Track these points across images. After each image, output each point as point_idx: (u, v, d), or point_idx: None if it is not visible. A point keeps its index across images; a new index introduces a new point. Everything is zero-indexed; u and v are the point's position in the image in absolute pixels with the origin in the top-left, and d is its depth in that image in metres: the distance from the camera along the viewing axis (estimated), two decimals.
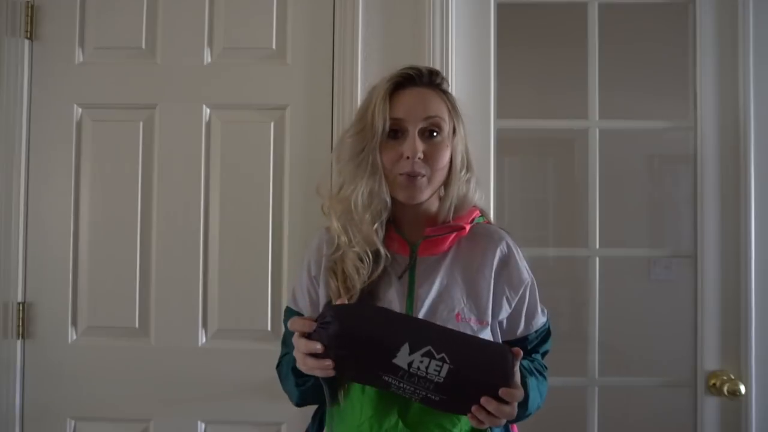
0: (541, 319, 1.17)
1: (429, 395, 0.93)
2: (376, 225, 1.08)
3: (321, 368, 0.94)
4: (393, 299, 1.08)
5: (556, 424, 1.62)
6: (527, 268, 1.15)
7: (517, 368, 0.95)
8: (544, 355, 1.20)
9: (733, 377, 1.55)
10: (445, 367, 0.91)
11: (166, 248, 1.60)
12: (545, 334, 1.18)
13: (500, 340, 1.12)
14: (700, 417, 1.58)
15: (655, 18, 2.00)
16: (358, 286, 1.06)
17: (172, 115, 1.61)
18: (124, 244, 1.61)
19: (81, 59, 1.64)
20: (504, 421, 0.95)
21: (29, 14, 1.62)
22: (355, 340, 0.92)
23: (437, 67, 1.53)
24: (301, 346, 0.95)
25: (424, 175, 1.07)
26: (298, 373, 1.03)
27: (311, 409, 1.19)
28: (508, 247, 1.14)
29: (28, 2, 1.62)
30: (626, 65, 2.23)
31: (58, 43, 1.63)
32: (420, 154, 1.06)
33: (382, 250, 1.07)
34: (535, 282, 1.16)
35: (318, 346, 0.92)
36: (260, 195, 1.60)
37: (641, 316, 2.28)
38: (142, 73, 1.62)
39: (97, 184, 1.62)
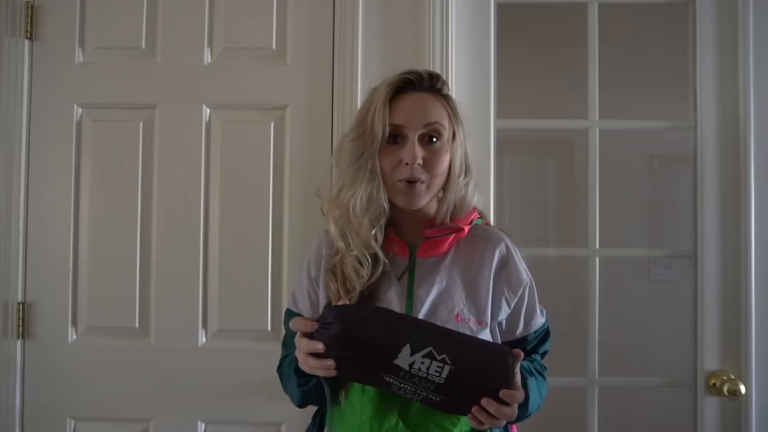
0: (540, 320, 1.17)
1: (430, 396, 0.94)
2: (374, 229, 1.08)
3: (323, 368, 0.94)
4: (393, 300, 1.08)
5: (556, 424, 1.62)
6: (526, 269, 1.16)
7: (517, 369, 0.95)
8: (543, 355, 1.20)
9: (733, 377, 1.55)
10: (446, 368, 0.91)
11: (166, 248, 1.60)
12: (544, 335, 1.19)
13: (499, 341, 1.12)
14: (700, 417, 1.58)
15: (655, 18, 2.00)
16: (358, 288, 1.07)
17: (172, 115, 1.61)
18: (124, 244, 1.61)
19: (81, 59, 1.64)
20: (504, 422, 0.95)
21: (29, 14, 1.62)
22: (357, 340, 0.93)
23: (437, 66, 1.53)
24: (303, 346, 0.95)
25: (423, 182, 1.07)
26: (300, 374, 1.04)
27: (311, 409, 1.19)
28: (507, 248, 1.14)
29: (28, 2, 1.62)
30: (626, 65, 2.23)
31: (58, 43, 1.63)
32: (419, 160, 1.06)
33: (381, 254, 1.08)
34: (533, 283, 1.16)
35: (320, 346, 0.93)
36: (260, 195, 1.60)
37: (641, 316, 2.28)
38: (142, 73, 1.62)
39: (97, 184, 1.62)
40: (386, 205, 1.09)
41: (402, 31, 1.58)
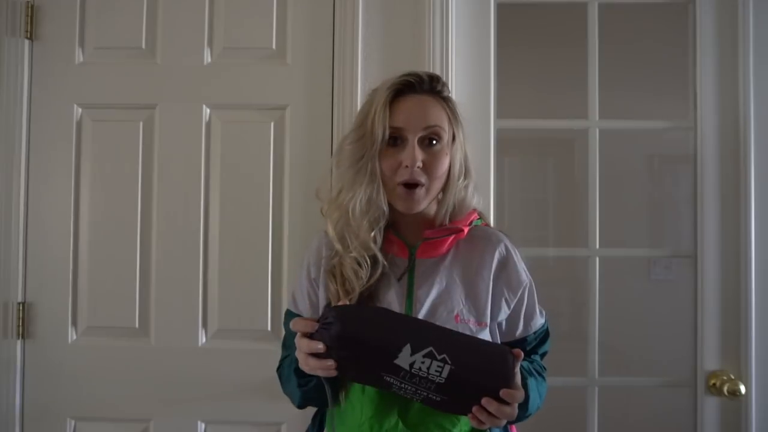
0: (539, 321, 1.17)
1: (430, 396, 0.94)
2: (373, 231, 1.08)
3: (323, 368, 0.94)
4: (392, 301, 1.08)
5: (556, 424, 1.62)
6: (525, 270, 1.16)
7: (517, 369, 0.96)
8: (542, 356, 1.20)
9: (733, 377, 1.55)
10: (447, 367, 0.91)
11: (166, 248, 1.60)
12: (544, 336, 1.19)
13: (499, 342, 1.12)
14: (700, 417, 1.58)
15: (655, 18, 2.00)
16: (357, 289, 1.07)
17: (172, 115, 1.61)
18: (124, 244, 1.61)
19: (81, 59, 1.64)
20: (504, 421, 0.95)
21: (29, 14, 1.62)
22: (357, 340, 0.93)
23: (437, 66, 1.53)
24: (303, 346, 0.95)
25: (423, 185, 1.07)
26: (300, 374, 1.04)
27: (311, 409, 1.19)
28: (507, 249, 1.15)
29: (28, 2, 1.62)
30: (626, 65, 2.22)
31: (58, 43, 1.63)
32: (419, 163, 1.06)
33: (379, 256, 1.08)
34: (533, 284, 1.16)
35: (320, 346, 0.93)
36: (260, 195, 1.60)
37: (641, 316, 2.28)
38: (142, 73, 1.62)
39: (97, 184, 1.62)
40: (385, 207, 1.09)
41: (402, 31, 1.58)
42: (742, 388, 1.52)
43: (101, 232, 1.62)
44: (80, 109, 1.63)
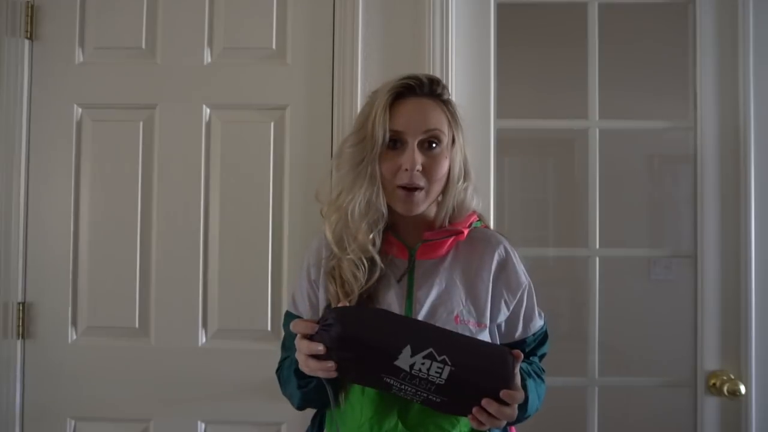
0: (538, 323, 1.17)
1: (430, 397, 0.94)
2: (372, 234, 1.08)
3: (323, 369, 0.94)
4: (392, 302, 1.08)
5: (556, 424, 1.62)
6: (524, 271, 1.16)
7: (517, 370, 0.96)
8: (541, 357, 1.20)
9: (733, 377, 1.55)
10: (447, 369, 0.91)
11: (166, 248, 1.60)
12: (543, 337, 1.19)
13: (498, 343, 1.12)
14: (700, 417, 1.58)
15: (655, 18, 2.00)
16: (357, 291, 1.07)
17: (172, 115, 1.61)
18: (124, 244, 1.61)
19: (81, 59, 1.64)
20: (504, 422, 0.96)
21: (29, 14, 1.62)
22: (357, 342, 0.93)
23: (437, 66, 1.53)
24: (303, 347, 0.95)
25: (422, 188, 1.08)
26: (300, 375, 1.04)
27: (311, 410, 1.18)
28: (506, 250, 1.15)
29: (28, 2, 1.62)
30: (626, 65, 2.22)
31: (58, 43, 1.63)
32: (419, 166, 1.06)
33: (377, 259, 1.08)
34: (532, 285, 1.17)
35: (320, 347, 0.93)
36: (260, 195, 1.60)
37: (641, 316, 2.28)
38: (142, 73, 1.62)
39: (97, 184, 1.62)
40: (385, 210, 1.09)
41: (402, 31, 1.58)
42: (742, 388, 1.52)
43: (101, 232, 1.62)
44: (80, 109, 1.63)
